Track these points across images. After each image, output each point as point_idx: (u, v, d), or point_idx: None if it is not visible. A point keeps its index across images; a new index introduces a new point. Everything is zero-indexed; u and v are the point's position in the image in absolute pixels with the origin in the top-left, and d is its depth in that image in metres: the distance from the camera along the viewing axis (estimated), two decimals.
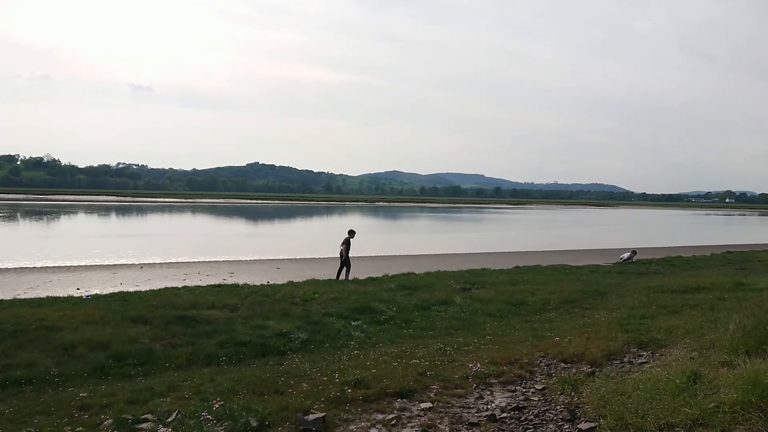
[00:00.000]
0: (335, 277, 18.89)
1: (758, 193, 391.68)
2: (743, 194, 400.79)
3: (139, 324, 10.73)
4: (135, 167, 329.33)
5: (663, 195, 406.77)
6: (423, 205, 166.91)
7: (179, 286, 16.53)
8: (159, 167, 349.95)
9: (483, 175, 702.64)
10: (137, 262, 25.32)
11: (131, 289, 16.25)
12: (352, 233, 20.35)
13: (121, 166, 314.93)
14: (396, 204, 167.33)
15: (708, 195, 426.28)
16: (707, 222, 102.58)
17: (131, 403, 6.54)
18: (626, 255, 26.59)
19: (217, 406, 6.24)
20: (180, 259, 26.76)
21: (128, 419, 5.95)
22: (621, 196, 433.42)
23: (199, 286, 16.54)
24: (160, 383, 7.39)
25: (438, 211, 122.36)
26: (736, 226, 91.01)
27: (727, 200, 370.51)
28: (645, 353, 8.51)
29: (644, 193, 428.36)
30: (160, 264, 25.08)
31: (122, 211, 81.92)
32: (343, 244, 19.63)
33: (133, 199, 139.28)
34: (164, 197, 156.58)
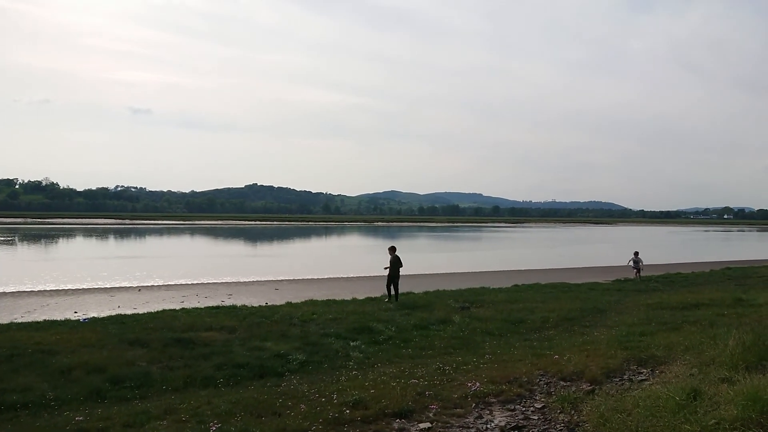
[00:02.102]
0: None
1: (756, 209, 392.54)
2: (741, 210, 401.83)
3: (137, 347, 10.67)
4: (133, 190, 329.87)
5: (661, 212, 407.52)
6: (421, 224, 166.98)
7: (177, 308, 16.46)
8: (157, 189, 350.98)
9: (481, 194, 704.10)
10: (135, 285, 25.25)
11: (129, 311, 16.19)
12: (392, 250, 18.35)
13: (119, 188, 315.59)
14: (394, 224, 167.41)
15: (706, 211, 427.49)
16: (706, 238, 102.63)
17: (128, 427, 6.48)
18: (633, 259, 26.68)
19: (215, 428, 6.19)
20: (178, 282, 26.70)
21: None
22: (619, 213, 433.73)
23: (197, 308, 16.47)
24: (157, 406, 7.32)
25: (436, 230, 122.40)
26: (734, 242, 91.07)
27: (725, 216, 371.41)
28: (645, 370, 8.47)
29: (642, 210, 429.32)
30: (159, 286, 25.01)
31: (120, 234, 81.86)
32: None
33: (131, 221, 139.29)
34: (162, 220, 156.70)
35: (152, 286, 25.19)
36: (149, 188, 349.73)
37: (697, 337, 9.87)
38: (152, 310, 15.81)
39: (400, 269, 17.73)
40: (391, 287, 17.61)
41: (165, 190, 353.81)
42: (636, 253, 27.24)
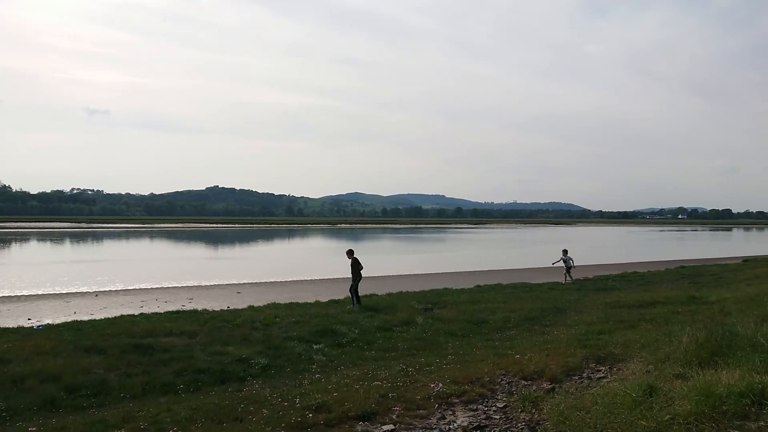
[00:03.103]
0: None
1: (709, 209, 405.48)
2: (695, 210, 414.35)
3: (93, 354, 10.40)
4: (90, 192, 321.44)
5: (619, 212, 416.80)
6: (385, 226, 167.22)
7: (136, 313, 16.12)
8: (115, 192, 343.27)
9: (444, 196, 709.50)
10: (92, 290, 24.63)
11: (85, 318, 15.77)
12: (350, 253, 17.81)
13: (75, 191, 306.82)
14: (358, 226, 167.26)
15: (662, 212, 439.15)
16: (661, 238, 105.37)
17: None
18: (563, 259, 24.87)
19: None
20: (137, 286, 26.14)
21: None
22: (579, 213, 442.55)
23: (156, 313, 16.16)
24: (115, 414, 7.15)
25: (400, 232, 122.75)
26: (688, 242, 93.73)
27: (679, 216, 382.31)
28: (603, 368, 8.65)
29: (601, 210, 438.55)
30: (117, 291, 24.45)
31: (77, 237, 79.75)
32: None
33: (88, 225, 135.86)
34: (121, 223, 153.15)
35: (110, 291, 24.61)
36: (107, 191, 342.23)
37: (653, 335, 10.10)
38: (110, 316, 15.44)
39: (361, 271, 17.57)
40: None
41: (123, 193, 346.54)
42: (565, 252, 25.37)
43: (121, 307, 18.71)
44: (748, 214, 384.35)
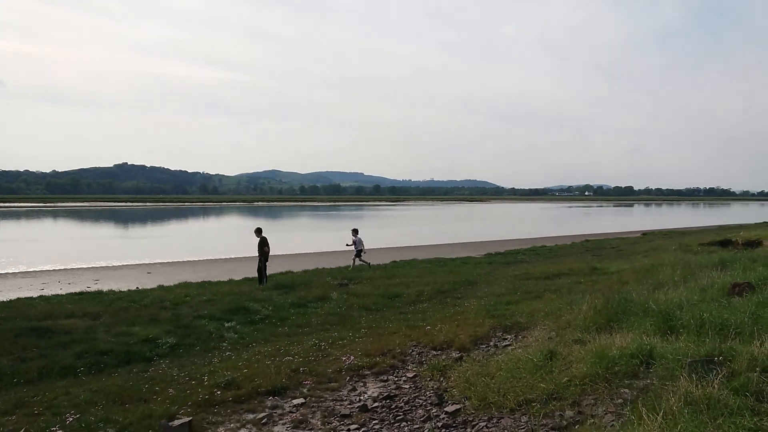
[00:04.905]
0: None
1: (613, 186, 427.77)
2: (600, 188, 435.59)
3: None
4: None
5: (530, 189, 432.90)
6: (303, 204, 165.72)
7: (35, 296, 15.22)
8: (12, 169, 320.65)
9: (362, 173, 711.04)
10: None
11: None
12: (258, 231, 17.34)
13: None
14: (275, 204, 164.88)
15: (570, 189, 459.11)
16: (569, 214, 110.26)
17: None
18: (354, 240, 21.65)
19: (72, 419, 5.82)
20: (37, 268, 24.66)
21: None
22: (493, 191, 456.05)
23: (57, 295, 15.33)
24: (6, 401, 6.75)
25: (318, 209, 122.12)
26: (593, 217, 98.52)
27: (586, 193, 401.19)
28: (509, 336, 8.97)
29: (513, 188, 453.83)
30: (14, 274, 22.99)
31: None
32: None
33: None
34: (19, 202, 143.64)
35: (6, 273, 23.10)
36: (2, 168, 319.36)
37: (556, 304, 10.57)
38: (4, 299, 14.49)
39: (268, 251, 17.13)
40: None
41: (22, 170, 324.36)
42: (355, 232, 21.97)
43: (19, 290, 17.60)
44: (648, 191, 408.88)
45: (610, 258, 22.76)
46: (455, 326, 9.61)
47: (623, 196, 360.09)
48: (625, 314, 7.96)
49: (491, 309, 11.19)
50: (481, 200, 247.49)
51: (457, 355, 7.90)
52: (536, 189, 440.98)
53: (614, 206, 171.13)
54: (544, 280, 15.93)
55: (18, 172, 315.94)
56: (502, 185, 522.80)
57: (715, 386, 4.53)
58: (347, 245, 22.09)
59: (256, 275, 17.21)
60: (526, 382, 5.90)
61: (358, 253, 21.52)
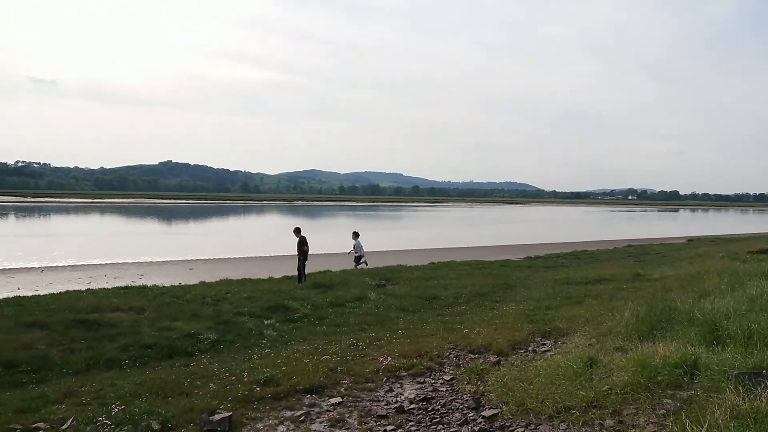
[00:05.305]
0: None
1: (657, 190, 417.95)
2: (644, 192, 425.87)
3: (35, 329, 10.13)
4: (36, 165, 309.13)
5: (572, 192, 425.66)
6: (341, 203, 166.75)
7: (83, 289, 15.71)
8: (63, 166, 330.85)
9: (401, 174, 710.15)
10: (37, 266, 23.87)
11: (29, 293, 15.30)
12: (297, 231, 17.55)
13: (20, 164, 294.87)
14: (314, 203, 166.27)
15: (612, 192, 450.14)
16: (611, 218, 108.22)
17: (21, 413, 6.16)
18: (355, 244, 20.50)
19: (117, 410, 5.99)
20: (86, 262, 25.47)
21: (16, 429, 5.60)
22: (533, 193, 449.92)
23: (104, 288, 15.79)
24: (56, 390, 6.99)
25: (356, 209, 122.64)
26: (637, 222, 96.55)
27: (629, 197, 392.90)
28: (548, 342, 8.86)
29: (554, 190, 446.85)
30: (64, 267, 23.77)
31: (22, 212, 76.96)
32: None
33: (33, 199, 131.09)
34: (69, 197, 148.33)
35: (56, 267, 23.90)
36: (54, 164, 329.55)
37: (597, 310, 10.40)
38: (55, 292, 15.01)
39: (307, 251, 17.32)
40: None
41: (72, 167, 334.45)
42: (356, 235, 20.69)
43: (68, 283, 18.20)
44: (694, 196, 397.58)
45: (653, 264, 22.26)
46: (493, 330, 9.54)
47: (668, 200, 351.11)
48: (668, 323, 7.78)
49: (530, 313, 11.08)
50: (520, 203, 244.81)
51: (494, 360, 7.85)
52: (578, 192, 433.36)
53: (659, 211, 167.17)
54: (584, 286, 15.70)
55: (69, 168, 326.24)
56: (543, 188, 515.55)
57: (763, 400, 4.40)
58: (350, 252, 20.72)
59: (296, 273, 17.41)
60: (566, 388, 5.82)
61: (357, 259, 20.28)
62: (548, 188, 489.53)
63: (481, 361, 7.88)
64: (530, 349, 8.51)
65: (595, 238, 47.41)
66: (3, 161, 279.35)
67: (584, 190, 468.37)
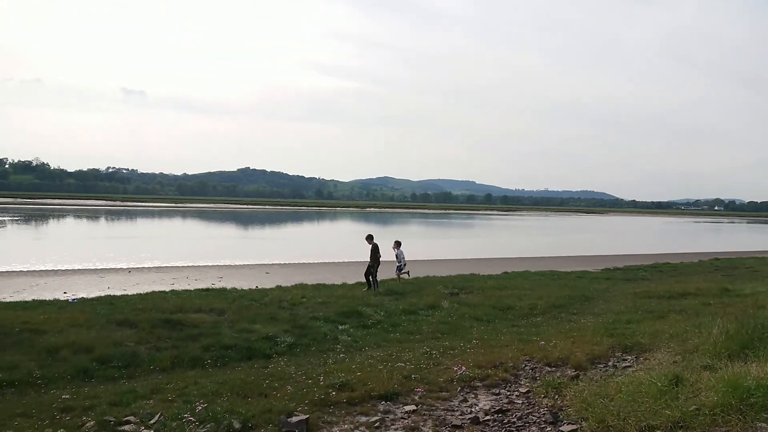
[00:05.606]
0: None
1: (747, 201, 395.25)
2: (732, 202, 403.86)
3: (125, 327, 10.68)
4: (125, 171, 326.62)
5: (652, 202, 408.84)
6: (414, 211, 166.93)
7: (167, 290, 16.45)
8: (149, 172, 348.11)
9: (474, 182, 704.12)
10: (125, 267, 25.18)
11: (118, 293, 16.16)
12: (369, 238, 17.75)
13: (111, 170, 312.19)
14: (387, 210, 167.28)
15: (697, 203, 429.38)
16: (696, 229, 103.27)
17: (114, 405, 6.51)
18: (396, 254, 19.07)
19: (200, 408, 6.22)
20: (169, 264, 26.65)
21: (110, 421, 5.92)
22: (611, 203, 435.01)
23: (186, 290, 16.46)
24: (144, 386, 7.35)
25: (429, 217, 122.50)
26: (724, 234, 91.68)
27: (716, 208, 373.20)
28: (629, 357, 8.56)
29: (634, 200, 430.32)
30: (149, 268, 24.96)
31: (112, 215, 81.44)
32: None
33: (122, 203, 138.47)
34: (154, 202, 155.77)
35: (142, 268, 25.12)
36: (141, 170, 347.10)
37: (682, 326, 9.96)
38: (142, 292, 15.79)
39: (380, 258, 17.48)
40: (370, 276, 17.34)
41: (157, 173, 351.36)
42: (397, 244, 19.13)
43: (153, 284, 19.09)
44: None
45: (743, 279, 21.09)
46: (571, 343, 9.30)
47: (760, 212, 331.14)
48: (761, 341, 7.35)
49: (610, 327, 10.73)
50: (598, 212, 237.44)
51: (572, 373, 7.65)
52: (659, 202, 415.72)
53: (748, 222, 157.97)
54: (667, 300, 15.06)
55: (154, 174, 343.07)
56: (622, 197, 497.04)
57: None
58: (400, 265, 19.19)
59: (370, 279, 17.49)
60: (649, 407, 5.60)
61: (399, 269, 19.15)
62: (627, 197, 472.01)
63: (558, 374, 7.70)
64: (610, 364, 8.24)
65: (678, 250, 45.38)
66: (96, 167, 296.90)
67: (666, 200, 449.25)
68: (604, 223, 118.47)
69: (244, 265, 27.44)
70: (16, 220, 61.23)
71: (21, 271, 23.07)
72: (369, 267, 17.30)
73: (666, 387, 6.02)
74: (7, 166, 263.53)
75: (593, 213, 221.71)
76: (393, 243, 19.34)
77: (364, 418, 6.19)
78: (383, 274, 17.99)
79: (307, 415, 6.01)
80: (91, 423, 5.93)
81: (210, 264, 27.34)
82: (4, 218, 63.09)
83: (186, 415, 5.95)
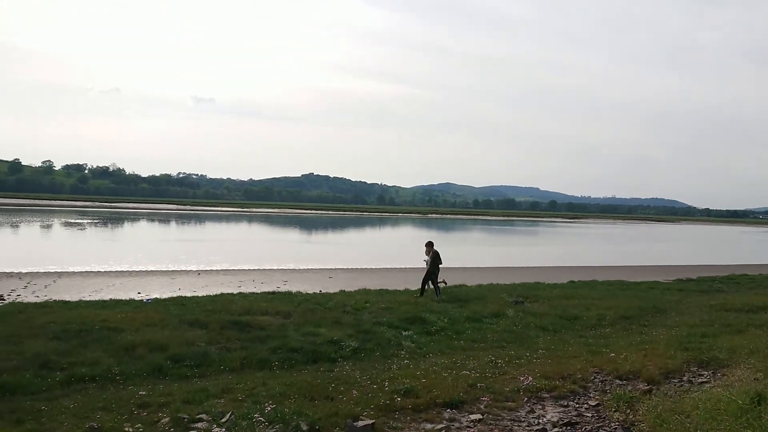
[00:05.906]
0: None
1: None
2: None
3: (196, 328, 11.03)
4: (195, 177, 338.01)
5: (728, 211, 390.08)
6: (476, 217, 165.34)
7: (234, 292, 16.90)
8: (217, 177, 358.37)
9: (538, 188, 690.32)
10: (195, 269, 26.02)
11: (189, 294, 16.70)
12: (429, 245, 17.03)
13: (181, 175, 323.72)
14: (449, 216, 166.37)
15: None
16: None
17: (187, 403, 6.74)
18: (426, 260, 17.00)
19: (269, 409, 6.37)
20: (236, 267, 27.35)
21: (184, 418, 6.14)
22: (683, 211, 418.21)
23: (253, 292, 16.86)
24: (215, 385, 7.58)
25: (491, 224, 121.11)
26: None
27: None
28: (706, 372, 8.22)
29: (707, 208, 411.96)
30: (217, 271, 25.70)
31: (182, 219, 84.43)
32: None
33: (192, 207, 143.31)
34: (222, 206, 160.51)
35: (211, 270, 25.90)
36: (210, 176, 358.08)
37: (763, 341, 9.50)
38: (211, 293, 16.27)
39: (440, 265, 17.13)
40: (428, 283, 17.09)
41: (225, 178, 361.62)
42: (430, 245, 17.02)
43: (221, 286, 19.65)
44: None
45: None
46: (642, 356, 9.01)
47: None
48: None
49: (684, 340, 10.33)
50: (669, 221, 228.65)
51: (645, 388, 7.40)
52: (735, 210, 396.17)
53: None
54: (746, 313, 14.35)
55: (222, 179, 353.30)
56: (695, 205, 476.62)
57: None
58: (425, 260, 17.34)
59: (430, 287, 17.31)
60: (729, 425, 5.37)
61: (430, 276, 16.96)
62: (701, 206, 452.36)
63: (629, 388, 7.48)
64: (685, 379, 7.94)
65: (757, 261, 43.17)
66: (167, 173, 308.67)
67: (743, 209, 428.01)
68: (675, 232, 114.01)
69: (308, 269, 27.87)
70: (95, 223, 64.36)
71: (99, 271, 24.20)
72: (428, 273, 17.14)
73: (748, 405, 5.76)
74: (86, 171, 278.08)
75: (664, 221, 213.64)
76: (426, 246, 17.37)
77: (429, 425, 6.19)
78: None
79: (373, 420, 6.06)
80: (166, 419, 6.16)
81: (275, 267, 27.90)
82: (84, 221, 66.45)
83: (256, 415, 6.11)
